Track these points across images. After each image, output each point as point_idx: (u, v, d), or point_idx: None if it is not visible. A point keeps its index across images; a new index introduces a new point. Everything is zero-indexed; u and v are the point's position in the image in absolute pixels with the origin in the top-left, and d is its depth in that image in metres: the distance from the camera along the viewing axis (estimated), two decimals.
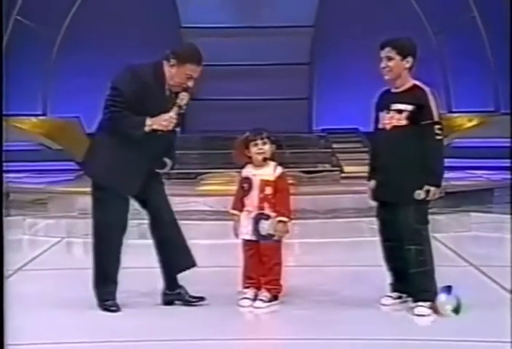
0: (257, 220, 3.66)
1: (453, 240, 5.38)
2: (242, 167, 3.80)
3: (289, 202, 3.70)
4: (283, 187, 3.70)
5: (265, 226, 3.65)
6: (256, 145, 3.68)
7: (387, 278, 3.82)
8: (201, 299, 3.80)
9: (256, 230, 3.66)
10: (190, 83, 3.64)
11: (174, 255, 3.75)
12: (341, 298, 3.92)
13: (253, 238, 3.69)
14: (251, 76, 10.92)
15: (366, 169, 3.86)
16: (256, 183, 3.68)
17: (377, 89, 3.89)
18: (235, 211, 3.77)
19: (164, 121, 3.56)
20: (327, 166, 9.37)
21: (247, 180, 3.71)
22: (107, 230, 3.55)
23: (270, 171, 3.70)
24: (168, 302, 3.79)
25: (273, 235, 3.65)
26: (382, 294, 3.77)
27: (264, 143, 3.69)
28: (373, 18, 10.90)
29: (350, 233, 5.90)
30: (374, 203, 3.83)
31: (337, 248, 5.68)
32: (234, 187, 3.88)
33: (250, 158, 3.73)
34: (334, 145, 10.01)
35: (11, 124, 9.56)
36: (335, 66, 10.97)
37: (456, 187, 7.02)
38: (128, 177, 3.58)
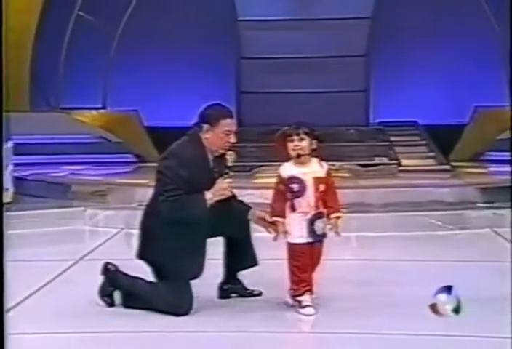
0: (312, 221, 3.50)
1: None
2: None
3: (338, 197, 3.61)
4: (332, 182, 3.59)
5: (321, 225, 3.52)
6: (292, 140, 3.50)
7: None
8: (258, 293, 3.83)
9: (312, 231, 3.51)
10: (232, 139, 3.57)
11: (240, 253, 3.76)
12: (393, 293, 3.88)
13: (309, 240, 3.52)
14: (308, 69, 10.87)
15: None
16: (309, 182, 3.48)
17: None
18: (278, 219, 3.51)
19: (224, 190, 3.51)
20: (384, 160, 9.26)
21: (296, 180, 3.48)
22: None
23: (319, 168, 3.56)
24: (225, 295, 3.83)
25: (325, 233, 3.57)
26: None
27: (301, 139, 3.49)
28: (431, 8, 10.70)
29: (408, 228, 5.83)
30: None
31: (395, 242, 5.62)
32: None
33: (289, 153, 3.54)
34: (392, 138, 9.89)
35: (73, 118, 9.79)
36: (393, 58, 10.81)
37: None
38: (194, 260, 3.51)
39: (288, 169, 3.54)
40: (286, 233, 3.51)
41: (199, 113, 3.66)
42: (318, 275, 3.64)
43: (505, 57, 9.67)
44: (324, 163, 3.61)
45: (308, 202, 3.50)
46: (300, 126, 3.54)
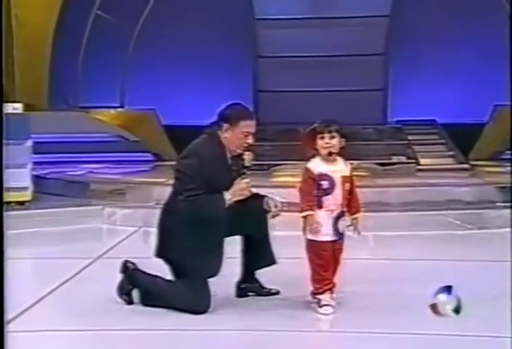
0: (337, 218, 3.51)
1: None
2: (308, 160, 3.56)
3: None
4: (354, 182, 3.60)
5: (344, 223, 3.53)
6: (323, 138, 3.46)
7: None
8: (276, 292, 3.83)
9: (336, 229, 3.51)
10: (250, 140, 3.58)
11: (258, 251, 3.76)
12: (411, 292, 3.86)
13: (334, 238, 3.53)
14: (325, 67, 10.84)
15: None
16: (338, 180, 3.47)
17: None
18: (310, 212, 3.46)
19: (243, 191, 3.51)
20: (403, 159, 9.22)
21: (326, 177, 3.47)
22: None
23: (344, 167, 3.56)
24: (242, 294, 3.83)
25: (344, 232, 3.57)
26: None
27: (332, 137, 3.45)
28: (449, 6, 10.62)
29: (426, 227, 5.80)
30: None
31: (413, 241, 5.59)
32: None
33: (317, 150, 3.51)
34: (410, 137, 9.84)
35: (91, 116, 9.85)
36: (411, 56, 10.76)
37: None
38: (212, 259, 3.51)
39: (318, 166, 3.50)
40: (316, 228, 3.47)
41: (220, 111, 3.66)
42: (339, 274, 3.63)
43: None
44: (348, 163, 3.61)
45: (335, 200, 3.49)
46: (330, 123, 3.50)
